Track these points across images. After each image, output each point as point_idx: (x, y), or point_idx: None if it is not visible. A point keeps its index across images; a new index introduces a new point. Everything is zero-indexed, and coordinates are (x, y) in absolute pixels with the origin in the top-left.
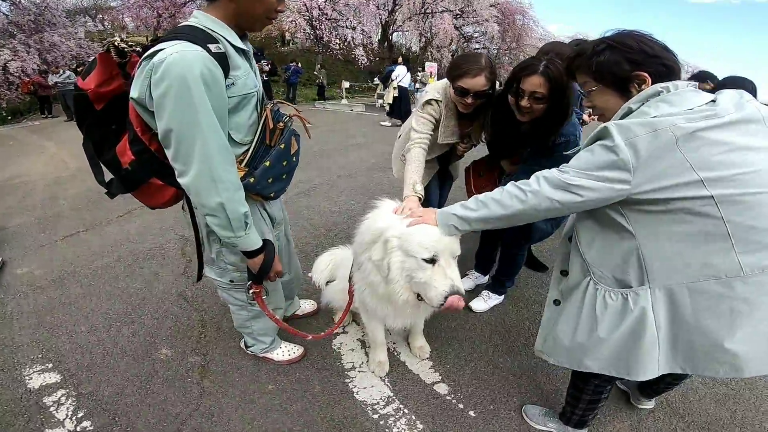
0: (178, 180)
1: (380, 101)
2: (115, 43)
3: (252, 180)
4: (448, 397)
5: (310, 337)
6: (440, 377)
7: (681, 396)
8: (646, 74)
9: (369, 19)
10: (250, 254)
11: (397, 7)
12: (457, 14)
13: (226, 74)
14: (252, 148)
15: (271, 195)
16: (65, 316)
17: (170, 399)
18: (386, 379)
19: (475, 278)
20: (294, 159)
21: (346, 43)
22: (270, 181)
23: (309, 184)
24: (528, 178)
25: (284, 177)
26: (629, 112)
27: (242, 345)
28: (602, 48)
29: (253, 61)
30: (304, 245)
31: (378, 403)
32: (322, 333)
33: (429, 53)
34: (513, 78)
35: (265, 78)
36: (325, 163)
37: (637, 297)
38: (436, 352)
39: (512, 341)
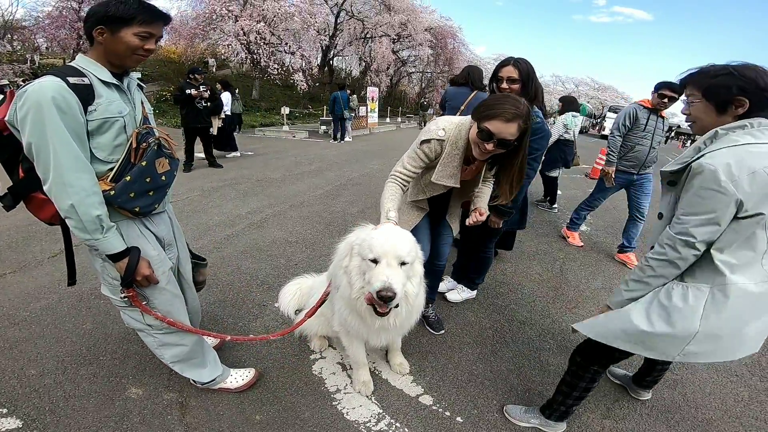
0: (44, 188)
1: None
2: (23, 81)
3: (112, 192)
4: (434, 407)
5: (229, 338)
6: (423, 389)
7: None
8: (747, 100)
9: (309, 44)
10: (114, 258)
11: (337, 32)
12: (395, 39)
13: (89, 101)
14: (118, 165)
15: (136, 209)
16: (8, 361)
17: None
18: (373, 398)
19: (448, 281)
20: (162, 178)
21: (284, 68)
22: (132, 195)
23: (260, 215)
24: None
25: (150, 194)
26: (715, 136)
27: (192, 381)
28: (723, 73)
29: (129, 93)
30: (264, 277)
31: (369, 420)
32: (251, 335)
33: (368, 77)
34: (495, 72)
35: (205, 104)
36: (274, 192)
37: (724, 287)
38: (415, 367)
39: (480, 349)
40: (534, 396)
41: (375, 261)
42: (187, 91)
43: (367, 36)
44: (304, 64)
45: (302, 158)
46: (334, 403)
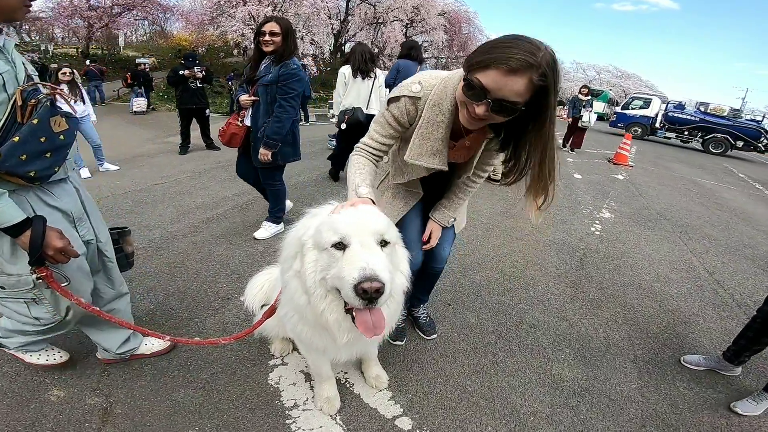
0: None
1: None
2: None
3: None
4: None
5: (168, 338)
6: (402, 410)
7: (670, 406)
8: None
9: (320, 29)
10: (13, 232)
11: (349, 17)
12: (407, 24)
13: None
14: (1, 126)
15: (31, 174)
16: None
17: None
18: (338, 417)
19: (268, 227)
20: (61, 137)
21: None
22: (24, 158)
23: (246, 197)
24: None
25: (48, 155)
26: None
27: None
28: None
29: (8, 53)
30: (236, 265)
31: None
32: (197, 338)
33: (381, 62)
34: (257, 30)
35: (199, 84)
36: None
37: None
38: (396, 380)
39: (479, 359)
40: (539, 421)
41: (341, 246)
42: (181, 72)
43: (379, 21)
44: (315, 50)
45: (305, 140)
46: (288, 421)
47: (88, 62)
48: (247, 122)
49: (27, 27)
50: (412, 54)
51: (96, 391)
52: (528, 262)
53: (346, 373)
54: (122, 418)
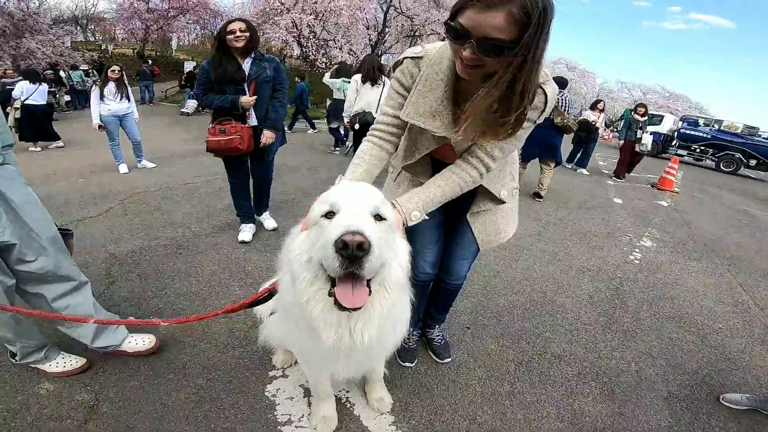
0: None
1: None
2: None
3: None
4: None
5: (92, 321)
6: None
7: None
8: None
9: (358, 39)
10: None
11: (386, 29)
12: (444, 38)
13: None
14: None
15: None
16: None
17: None
18: None
19: (249, 229)
20: None
21: (332, 63)
22: None
23: (272, 201)
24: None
25: None
26: None
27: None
28: None
29: None
30: (252, 269)
31: None
32: (131, 318)
33: None
34: (223, 29)
35: None
36: (290, 179)
37: None
38: (400, 404)
39: (494, 388)
40: None
41: (332, 215)
42: None
43: (416, 34)
44: (350, 60)
45: (318, 145)
46: None
47: (145, 63)
48: (253, 122)
49: (92, 27)
50: None
51: (87, 387)
52: (559, 288)
53: (347, 392)
54: (107, 417)
